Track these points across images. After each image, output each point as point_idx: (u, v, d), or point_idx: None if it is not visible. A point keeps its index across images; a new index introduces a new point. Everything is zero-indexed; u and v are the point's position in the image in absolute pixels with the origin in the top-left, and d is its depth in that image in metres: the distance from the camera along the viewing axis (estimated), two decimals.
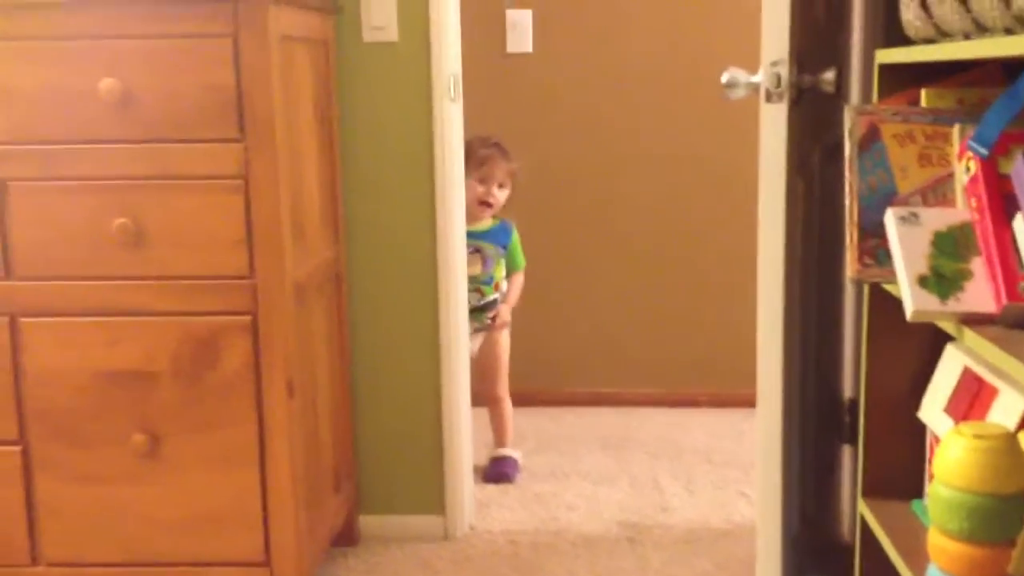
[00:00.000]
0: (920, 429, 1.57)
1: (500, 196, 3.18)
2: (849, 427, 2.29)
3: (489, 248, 3.21)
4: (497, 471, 3.13)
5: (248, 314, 2.13)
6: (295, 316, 2.18)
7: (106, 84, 2.03)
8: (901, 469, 1.61)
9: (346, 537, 2.68)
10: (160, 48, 2.04)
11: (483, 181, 3.15)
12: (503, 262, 3.24)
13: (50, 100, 2.06)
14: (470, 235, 3.16)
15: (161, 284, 2.12)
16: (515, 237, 3.28)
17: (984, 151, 1.18)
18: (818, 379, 2.27)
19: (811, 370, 2.19)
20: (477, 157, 3.13)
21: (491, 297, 3.21)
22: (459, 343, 2.71)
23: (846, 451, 2.39)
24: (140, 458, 2.16)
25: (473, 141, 3.13)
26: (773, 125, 1.80)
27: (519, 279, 3.31)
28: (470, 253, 3.16)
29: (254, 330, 2.13)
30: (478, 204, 3.15)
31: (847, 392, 2.40)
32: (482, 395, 3.23)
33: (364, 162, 2.62)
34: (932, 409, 1.47)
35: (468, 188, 3.12)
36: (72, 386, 2.14)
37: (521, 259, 3.30)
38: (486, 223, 3.22)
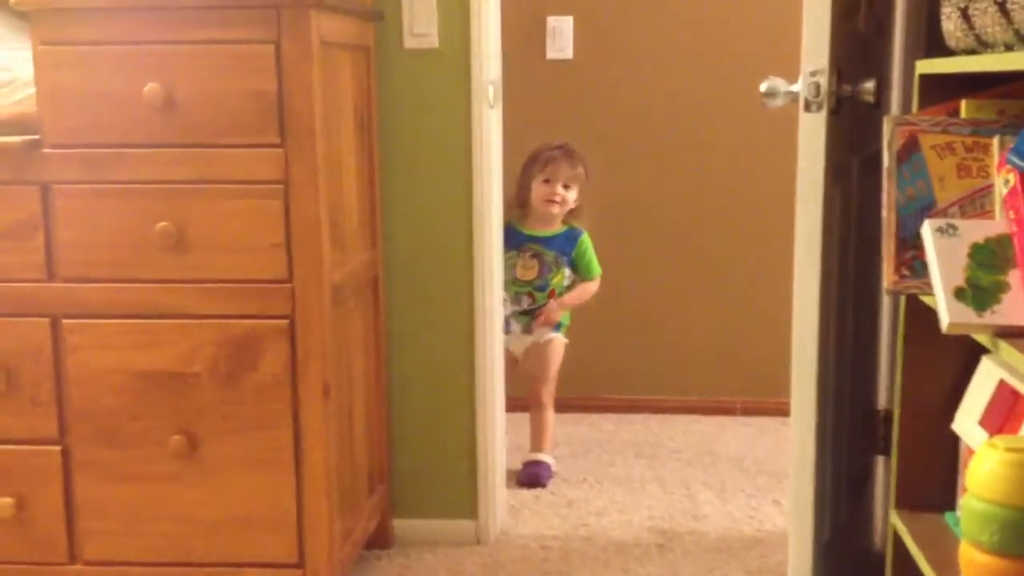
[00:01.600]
0: (953, 441, 1.56)
1: (567, 195, 3.20)
2: (883, 438, 2.28)
3: (549, 254, 3.22)
4: (530, 475, 3.14)
5: (286, 317, 2.15)
6: (332, 319, 2.21)
7: (150, 89, 2.07)
8: (934, 480, 1.60)
9: (380, 540, 2.70)
10: (203, 54, 2.08)
11: (547, 181, 3.18)
12: (564, 270, 3.24)
13: (94, 104, 2.10)
14: (532, 239, 3.19)
15: (201, 287, 2.15)
16: (585, 246, 3.26)
17: None
18: (853, 389, 2.26)
19: (846, 380, 2.18)
20: (542, 158, 3.18)
21: (542, 303, 3.22)
22: (494, 348, 2.72)
23: (880, 462, 2.38)
24: (178, 459, 2.19)
25: (540, 146, 3.18)
26: (812, 135, 1.79)
27: (588, 286, 3.29)
28: (528, 257, 3.18)
29: (291, 333, 2.15)
30: (544, 203, 3.18)
31: (882, 403, 2.39)
32: (528, 398, 3.25)
33: (403, 167, 2.64)
34: (966, 421, 1.47)
35: (534, 189, 3.15)
36: (112, 387, 2.18)
37: (594, 268, 3.28)
38: (552, 228, 3.23)
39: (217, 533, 2.21)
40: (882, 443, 2.31)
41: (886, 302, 2.32)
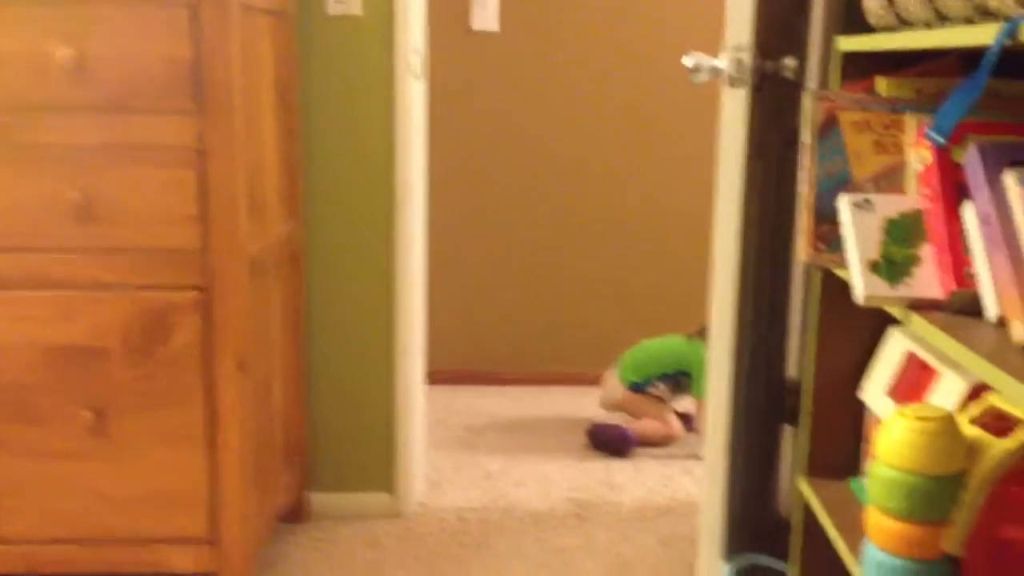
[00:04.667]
0: (860, 410, 1.61)
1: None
2: (791, 408, 2.33)
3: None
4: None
5: (201, 289, 2.11)
6: (249, 292, 2.17)
7: (61, 52, 2.00)
8: (841, 449, 1.64)
9: (295, 514, 2.68)
10: (117, 16, 2.01)
11: None
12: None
13: (1, 66, 2.02)
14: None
15: (113, 257, 2.09)
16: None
17: (942, 140, 1.21)
18: (764, 361, 2.31)
19: (758, 353, 2.22)
20: None
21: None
22: (414, 322, 2.71)
23: (788, 432, 2.44)
24: (89, 435, 2.14)
25: None
26: (734, 110, 1.82)
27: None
28: None
29: (206, 306, 2.11)
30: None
31: (792, 374, 2.44)
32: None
33: (324, 137, 2.60)
34: (874, 391, 1.51)
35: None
36: (22, 361, 2.11)
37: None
38: None
39: (130, 509, 2.17)
40: (790, 413, 2.37)
41: (797, 276, 2.37)
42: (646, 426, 3.21)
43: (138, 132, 2.05)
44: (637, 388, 3.24)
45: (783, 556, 1.95)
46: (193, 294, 2.11)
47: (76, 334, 2.11)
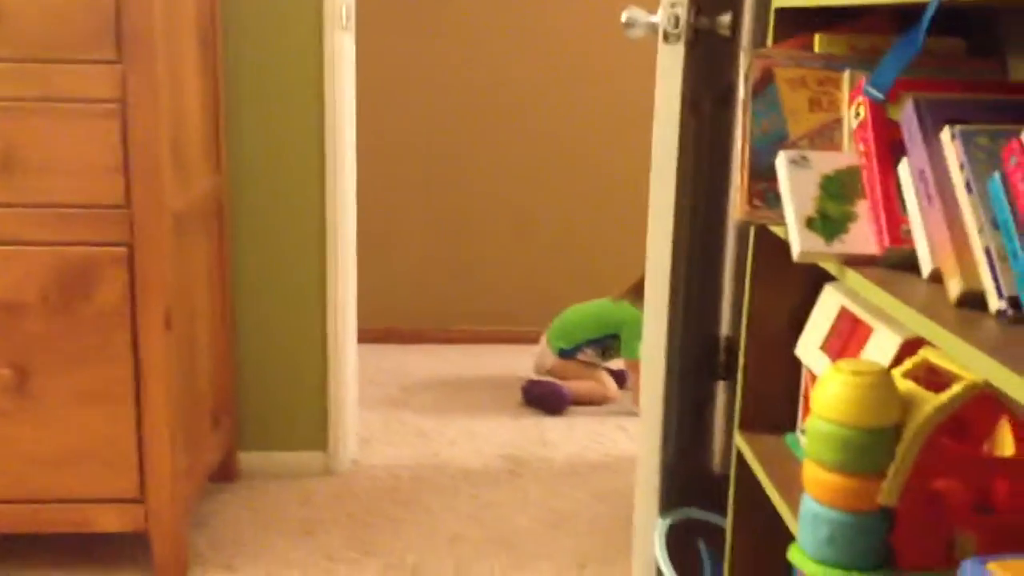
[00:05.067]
0: (795, 366, 1.63)
1: None
2: (724, 364, 2.36)
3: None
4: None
5: (124, 245, 2.05)
6: (174, 247, 2.12)
7: None
8: (775, 404, 1.67)
9: (225, 473, 2.64)
10: None
11: None
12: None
13: None
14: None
15: (32, 212, 2.02)
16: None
17: (880, 96, 1.21)
18: (697, 317, 2.33)
19: (692, 309, 2.24)
20: None
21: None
22: (347, 278, 2.67)
23: (719, 387, 2.47)
24: (9, 393, 2.08)
25: None
26: (670, 66, 1.81)
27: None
28: None
29: (130, 261, 2.06)
30: None
31: (724, 330, 2.47)
32: None
33: (249, 89, 2.54)
34: (808, 347, 1.53)
35: None
36: None
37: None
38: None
39: (54, 469, 2.12)
40: (723, 369, 2.39)
41: (730, 233, 2.38)
42: (581, 386, 3.23)
43: (57, 82, 1.97)
44: (566, 355, 3.26)
45: (717, 510, 1.98)
46: (116, 250, 2.05)
47: None
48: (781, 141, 1.44)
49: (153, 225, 2.05)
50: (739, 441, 1.64)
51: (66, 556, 2.26)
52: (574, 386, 3.22)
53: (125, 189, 2.03)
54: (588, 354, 3.27)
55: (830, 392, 1.15)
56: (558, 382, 3.21)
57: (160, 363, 2.10)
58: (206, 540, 2.36)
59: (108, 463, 2.13)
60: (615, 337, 3.25)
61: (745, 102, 1.45)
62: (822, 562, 1.16)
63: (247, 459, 2.70)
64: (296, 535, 2.40)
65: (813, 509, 1.17)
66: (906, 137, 1.18)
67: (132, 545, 2.29)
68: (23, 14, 1.94)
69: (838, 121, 1.43)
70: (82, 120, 1.99)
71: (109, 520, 2.15)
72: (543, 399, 3.17)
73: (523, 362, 3.44)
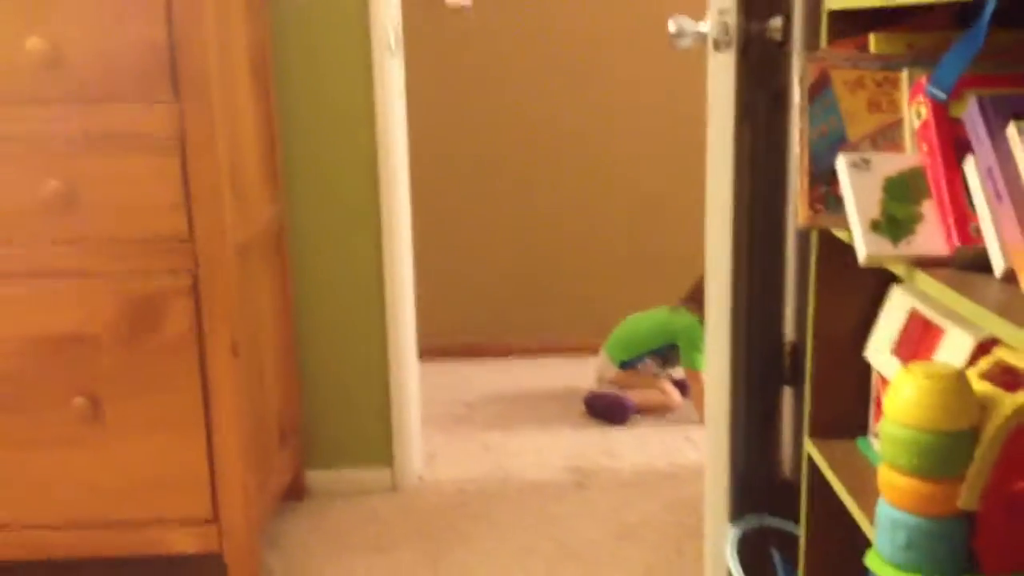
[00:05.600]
0: (864, 369, 1.61)
1: None
2: (790, 370, 2.34)
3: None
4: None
5: (189, 275, 2.09)
6: (238, 276, 2.15)
7: (32, 43, 1.96)
8: (845, 409, 1.65)
9: (293, 492, 2.67)
10: (87, 3, 1.97)
11: None
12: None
13: None
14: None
15: (97, 247, 2.07)
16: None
17: (943, 96, 1.20)
18: (761, 324, 2.31)
19: (755, 316, 2.23)
20: None
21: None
22: (404, 296, 2.70)
23: (786, 393, 2.45)
24: (83, 422, 2.12)
25: None
26: (721, 74, 1.80)
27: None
28: None
29: (195, 292, 2.10)
30: None
31: (788, 336, 2.45)
32: None
33: (302, 116, 2.57)
34: (878, 350, 1.51)
35: None
36: (9, 352, 2.09)
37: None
38: None
39: (129, 495, 2.16)
40: (790, 375, 2.37)
41: (791, 238, 2.36)
42: (644, 395, 3.22)
43: (116, 121, 2.02)
44: (627, 366, 3.25)
45: (787, 517, 1.96)
46: (182, 281, 2.09)
47: (65, 323, 2.09)
48: (840, 144, 1.42)
49: (217, 256, 2.08)
50: (810, 447, 1.62)
51: None
52: (637, 396, 3.21)
53: (188, 223, 2.07)
54: (649, 365, 3.25)
55: (904, 396, 1.14)
56: (620, 393, 3.20)
57: (228, 389, 2.13)
58: (278, 559, 2.39)
59: (181, 487, 2.16)
60: (674, 347, 3.23)
61: (802, 106, 1.44)
62: (901, 568, 1.14)
63: (314, 477, 2.73)
64: (367, 552, 2.42)
65: (890, 514, 1.15)
66: (971, 135, 1.16)
67: (206, 567, 2.32)
68: (82, 57, 1.99)
69: (899, 121, 1.41)
70: (143, 157, 2.03)
71: (184, 542, 2.19)
72: (607, 410, 3.17)
73: (585, 373, 3.43)
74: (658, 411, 3.21)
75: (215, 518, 2.18)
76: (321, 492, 2.73)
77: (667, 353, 3.24)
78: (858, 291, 1.63)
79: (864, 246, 1.25)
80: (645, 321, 3.29)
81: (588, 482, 2.77)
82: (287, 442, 2.58)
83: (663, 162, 3.67)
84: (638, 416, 3.19)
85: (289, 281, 2.60)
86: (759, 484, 2.29)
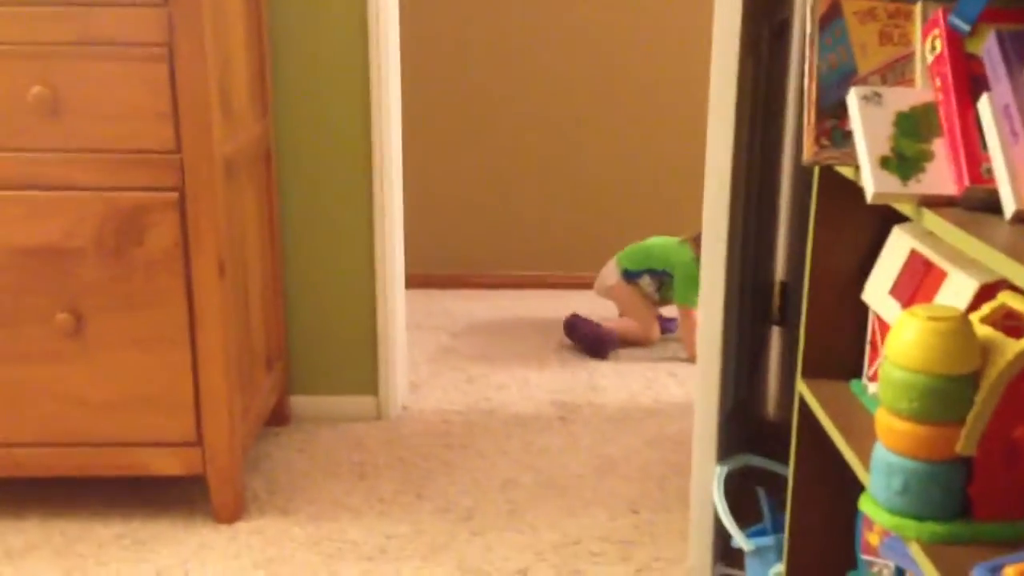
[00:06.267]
0: (860, 311, 1.58)
1: None
2: (780, 309, 2.32)
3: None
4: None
5: (175, 190, 2.05)
6: (225, 193, 2.11)
7: None
8: (840, 350, 1.62)
9: (278, 417, 2.66)
10: None
11: None
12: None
13: None
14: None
15: (82, 157, 2.02)
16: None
17: (967, 27, 1.16)
18: (754, 263, 2.28)
19: (748, 253, 2.20)
20: None
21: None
22: (393, 222, 2.65)
23: (774, 333, 2.43)
24: (65, 337, 2.09)
25: None
26: (728, 2, 1.75)
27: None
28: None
29: (182, 207, 2.05)
30: None
31: (779, 275, 2.42)
32: None
33: (292, 32, 2.50)
34: (876, 292, 1.48)
35: None
36: None
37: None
38: None
39: (112, 413, 2.14)
40: (778, 314, 2.35)
41: (786, 174, 2.33)
42: (624, 324, 3.21)
43: (104, 25, 1.96)
44: (629, 276, 3.23)
45: (772, 457, 1.96)
46: (168, 195, 2.05)
47: (48, 235, 2.04)
48: (849, 77, 1.38)
49: (204, 170, 2.04)
50: (802, 387, 1.60)
51: (122, 500, 2.29)
52: (617, 324, 3.20)
53: (175, 134, 2.02)
54: (647, 282, 3.23)
55: (906, 338, 1.12)
56: (603, 324, 3.19)
57: (214, 308, 2.10)
58: (261, 483, 2.38)
59: (165, 407, 2.14)
60: (671, 276, 3.22)
61: (812, 36, 1.39)
62: (895, 512, 1.13)
63: (299, 403, 2.71)
64: (350, 479, 2.41)
65: (886, 458, 1.14)
66: (988, 71, 1.12)
67: (188, 489, 2.31)
68: None
69: (910, 55, 1.37)
70: (129, 64, 1.97)
71: (166, 463, 2.17)
72: (583, 339, 3.17)
73: (570, 306, 3.40)
74: (635, 343, 3.20)
75: (199, 440, 2.16)
76: (305, 419, 2.71)
77: (664, 279, 3.22)
78: (857, 230, 1.60)
79: (873, 183, 1.21)
80: (658, 242, 3.30)
81: (572, 416, 2.76)
82: (272, 367, 2.56)
83: (660, 94, 3.62)
84: (622, 352, 3.17)
85: (276, 204, 2.55)
86: (746, 423, 2.29)
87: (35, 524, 2.20)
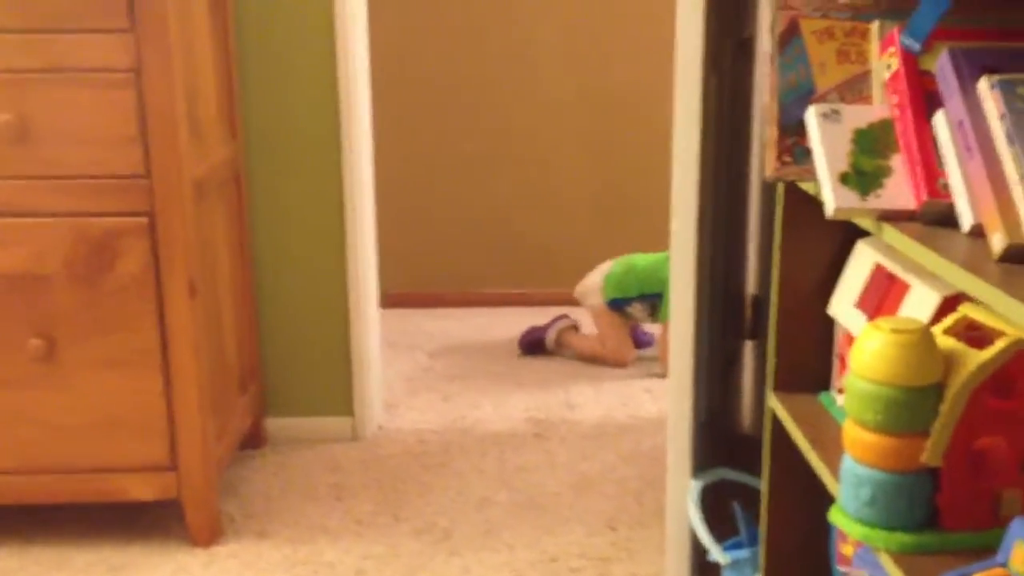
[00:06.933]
0: (827, 324, 1.60)
1: None
2: (751, 322, 2.34)
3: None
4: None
5: (145, 215, 2.05)
6: (195, 215, 2.11)
7: None
8: (808, 363, 1.64)
9: (253, 439, 2.65)
10: None
11: None
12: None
13: None
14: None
15: (52, 183, 2.02)
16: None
17: (917, 46, 1.18)
18: (723, 277, 2.30)
19: (718, 268, 2.22)
20: None
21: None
22: (365, 241, 2.66)
23: (747, 347, 2.45)
24: (37, 363, 2.08)
25: None
26: (690, 20, 1.77)
27: None
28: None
29: (152, 230, 2.05)
30: None
31: (750, 289, 2.44)
32: None
33: (261, 54, 2.51)
34: (842, 305, 1.50)
35: None
36: None
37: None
38: None
39: (85, 438, 2.13)
40: (750, 328, 2.37)
41: (754, 189, 2.35)
42: (580, 342, 3.24)
43: (71, 52, 1.96)
44: (616, 304, 3.21)
45: (747, 470, 1.97)
46: (137, 219, 2.05)
47: (18, 261, 2.04)
48: (809, 95, 1.40)
49: (173, 193, 2.04)
50: (772, 401, 1.62)
51: (97, 526, 2.27)
52: (573, 340, 3.27)
53: (144, 158, 2.02)
54: (638, 308, 3.20)
55: (870, 351, 1.13)
56: (547, 330, 3.30)
57: (186, 330, 2.09)
58: (237, 506, 2.37)
59: (138, 431, 2.13)
60: (662, 297, 3.15)
61: (772, 55, 1.41)
62: (864, 523, 1.15)
63: (274, 425, 2.71)
64: (326, 500, 2.41)
65: (854, 470, 1.15)
66: (942, 88, 1.14)
67: (163, 513, 2.30)
68: None
69: (866, 73, 1.40)
70: (96, 90, 1.98)
71: (141, 489, 2.16)
72: (524, 339, 3.32)
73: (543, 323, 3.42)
74: (592, 361, 3.23)
75: (173, 463, 2.15)
76: (281, 440, 2.70)
77: (656, 303, 3.18)
78: (822, 245, 1.62)
79: (832, 199, 1.23)
80: (644, 261, 3.21)
81: (548, 433, 2.77)
82: (246, 388, 2.55)
83: (636, 112, 3.64)
84: (597, 370, 3.18)
85: (247, 224, 2.55)
86: (720, 437, 2.30)
87: (11, 553, 2.18)
